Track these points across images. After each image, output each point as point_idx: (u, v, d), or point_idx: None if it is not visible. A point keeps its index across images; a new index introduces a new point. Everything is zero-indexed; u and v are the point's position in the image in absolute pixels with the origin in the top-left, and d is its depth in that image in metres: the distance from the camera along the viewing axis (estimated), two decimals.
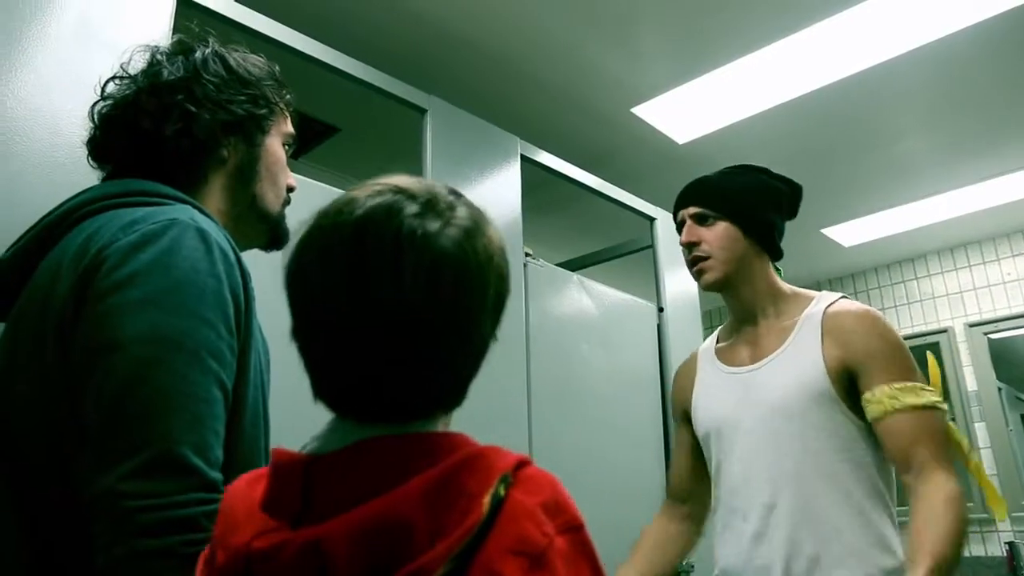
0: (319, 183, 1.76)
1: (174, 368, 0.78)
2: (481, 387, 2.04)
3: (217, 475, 0.77)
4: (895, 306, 4.43)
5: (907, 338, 4.28)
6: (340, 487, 0.58)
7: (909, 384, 1.27)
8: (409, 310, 0.58)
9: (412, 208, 0.61)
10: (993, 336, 4.06)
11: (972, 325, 4.11)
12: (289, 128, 1.11)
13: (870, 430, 1.31)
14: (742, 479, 1.39)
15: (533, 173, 2.55)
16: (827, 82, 2.69)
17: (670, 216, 2.95)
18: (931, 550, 1.13)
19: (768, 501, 1.33)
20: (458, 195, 0.65)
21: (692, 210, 1.50)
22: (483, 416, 1.98)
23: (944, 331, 4.19)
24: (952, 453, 1.27)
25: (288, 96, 1.11)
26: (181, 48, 1.03)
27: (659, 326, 2.72)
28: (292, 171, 1.13)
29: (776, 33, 2.44)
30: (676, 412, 1.64)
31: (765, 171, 1.53)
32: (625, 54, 2.51)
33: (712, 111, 2.84)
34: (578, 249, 3.61)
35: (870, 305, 4.34)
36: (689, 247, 1.48)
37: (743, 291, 1.48)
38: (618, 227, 3.11)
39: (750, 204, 1.48)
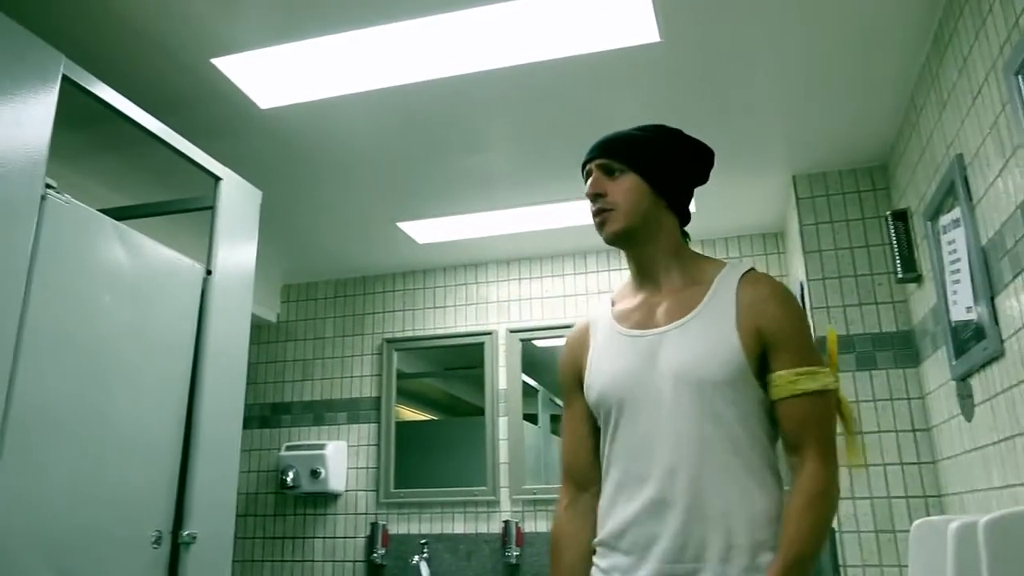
0: None
1: None
2: None
3: None
4: (455, 305, 4.82)
5: (462, 335, 4.71)
6: None
7: (808, 368, 1.33)
8: None
9: None
10: (534, 342, 4.64)
11: (512, 331, 4.63)
12: None
13: (770, 405, 1.36)
14: (645, 443, 1.36)
15: (98, 107, 2.30)
16: (426, 78, 2.73)
17: (238, 178, 2.87)
18: (790, 547, 1.25)
19: (671, 466, 1.32)
20: None
21: (599, 161, 1.46)
22: None
23: (489, 333, 4.67)
24: (837, 433, 1.38)
25: None
26: None
27: (204, 290, 2.60)
28: None
29: (386, 15, 2.41)
30: (567, 383, 1.55)
31: (679, 132, 1.52)
32: None
33: (302, 81, 2.76)
34: (144, 198, 3.34)
35: (435, 302, 4.62)
36: (594, 198, 1.45)
37: (647, 248, 1.46)
38: (190, 182, 2.91)
39: (660, 160, 1.46)
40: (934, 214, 2.72)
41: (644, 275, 1.49)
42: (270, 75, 2.73)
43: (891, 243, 3.21)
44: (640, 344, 1.41)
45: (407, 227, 4.23)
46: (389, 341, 4.84)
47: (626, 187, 1.44)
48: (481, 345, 4.67)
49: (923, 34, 2.58)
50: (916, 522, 2.15)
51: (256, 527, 4.76)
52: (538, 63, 2.68)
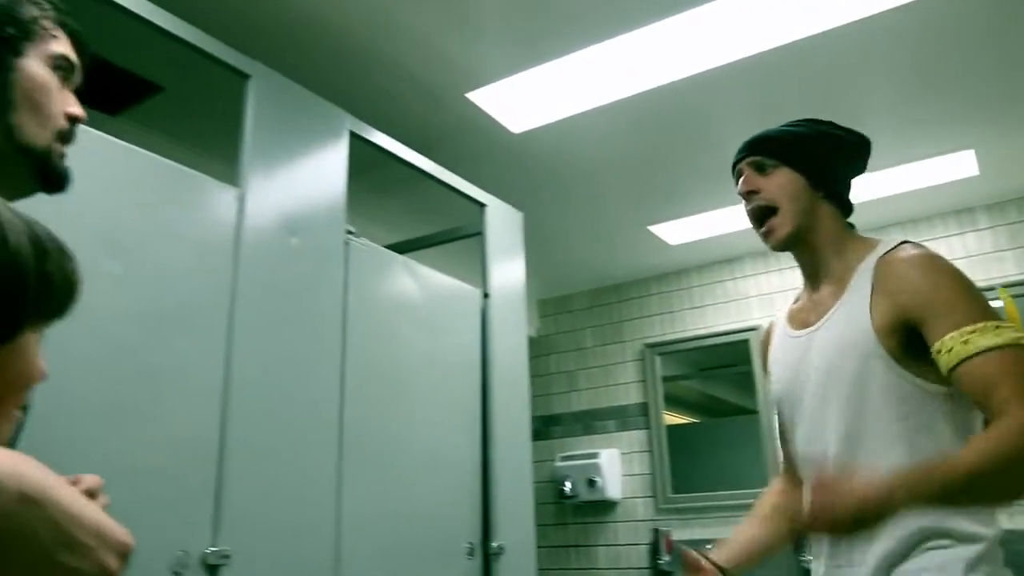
0: (140, 148, 1.67)
1: None
2: (288, 369, 1.92)
3: None
4: (713, 304, 4.70)
5: (723, 334, 4.58)
6: None
7: (982, 324, 1.16)
8: None
9: None
10: None
11: None
12: (59, 49, 0.98)
13: (937, 390, 1.23)
14: (807, 443, 1.37)
15: (368, 152, 2.51)
16: (663, 82, 2.74)
17: (500, 203, 3.00)
18: (944, 464, 1.10)
19: (823, 464, 1.31)
20: None
21: (750, 159, 1.44)
22: (287, 397, 1.91)
23: (754, 329, 4.50)
24: None
25: (55, 13, 0.99)
26: None
27: (483, 312, 2.75)
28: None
29: (618, 28, 2.46)
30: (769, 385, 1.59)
31: (831, 124, 1.46)
32: (464, 36, 2.49)
33: (549, 102, 2.86)
34: (410, 232, 3.59)
35: (692, 303, 4.50)
36: (747, 196, 1.42)
37: (810, 246, 1.40)
38: (450, 212, 3.11)
39: (812, 152, 1.40)
40: None
41: (809, 272, 1.45)
42: (518, 101, 2.86)
43: None
44: (798, 344, 1.40)
45: (658, 230, 4.20)
46: (650, 346, 4.82)
47: (779, 182, 1.39)
48: (746, 342, 4.50)
49: None
50: None
51: (540, 537, 4.91)
52: (778, 47, 2.57)
